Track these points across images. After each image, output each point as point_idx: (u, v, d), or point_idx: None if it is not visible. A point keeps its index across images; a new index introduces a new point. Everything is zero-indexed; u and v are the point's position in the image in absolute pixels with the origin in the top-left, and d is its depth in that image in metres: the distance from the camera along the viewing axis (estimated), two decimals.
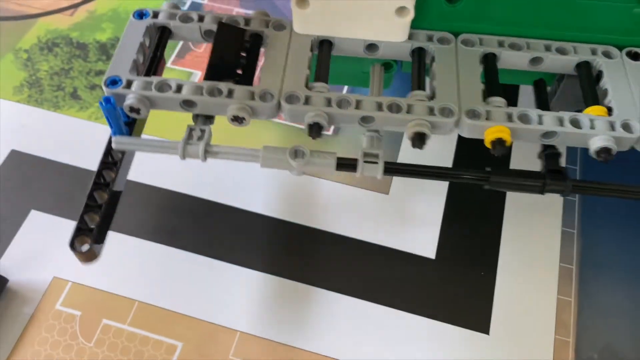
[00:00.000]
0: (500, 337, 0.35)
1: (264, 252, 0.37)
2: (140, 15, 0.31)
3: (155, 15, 0.31)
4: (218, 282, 0.35)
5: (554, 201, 0.40)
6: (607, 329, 0.35)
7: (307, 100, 0.28)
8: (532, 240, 0.38)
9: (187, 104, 0.28)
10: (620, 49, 0.31)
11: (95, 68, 0.46)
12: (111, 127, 0.28)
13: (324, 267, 0.37)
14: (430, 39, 0.31)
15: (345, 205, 0.39)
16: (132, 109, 0.27)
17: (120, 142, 0.28)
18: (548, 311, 0.36)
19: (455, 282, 0.37)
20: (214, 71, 0.28)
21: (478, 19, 0.30)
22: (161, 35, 0.30)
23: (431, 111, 0.28)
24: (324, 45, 0.30)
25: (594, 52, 0.31)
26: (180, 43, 0.48)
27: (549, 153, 0.29)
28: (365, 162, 0.28)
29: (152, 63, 0.29)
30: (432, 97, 0.28)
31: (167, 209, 0.38)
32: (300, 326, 0.34)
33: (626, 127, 0.28)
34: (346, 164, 0.28)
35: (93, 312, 0.34)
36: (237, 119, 0.27)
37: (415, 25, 0.30)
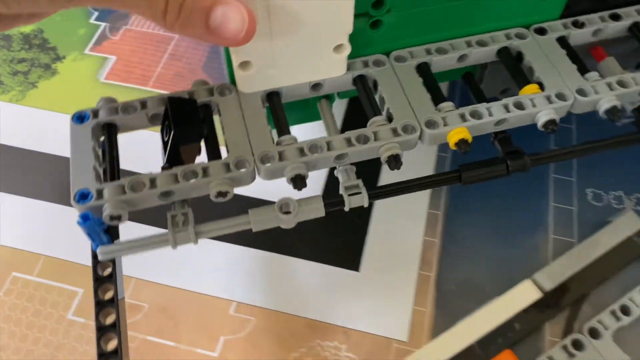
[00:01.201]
0: (369, 274, 0.38)
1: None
2: (80, 118, 0.29)
3: (96, 114, 0.30)
4: None
5: (428, 154, 0.44)
6: (466, 265, 0.38)
7: (280, 156, 0.28)
8: None
9: (165, 195, 0.27)
10: (528, 28, 0.34)
11: (18, 56, 0.50)
12: (93, 240, 0.27)
13: None
14: (366, 64, 0.32)
15: None
16: (112, 218, 0.26)
17: (107, 252, 0.27)
18: (414, 251, 0.39)
19: (333, 229, 0.40)
20: (183, 138, 0.27)
21: (402, 36, 0.32)
22: (110, 134, 0.29)
23: (395, 132, 0.29)
24: (273, 97, 0.31)
25: (508, 37, 0.34)
26: (99, 30, 0.51)
27: (501, 138, 0.32)
28: (349, 195, 0.29)
29: (113, 165, 0.28)
30: (390, 118, 0.30)
31: None
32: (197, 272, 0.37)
33: (560, 96, 0.31)
34: (333, 203, 0.29)
35: (2, 267, 0.38)
36: (222, 194, 0.27)
37: (349, 56, 0.31)
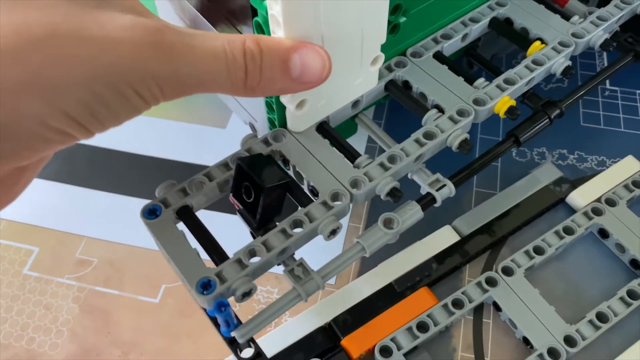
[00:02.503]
0: None
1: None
2: (151, 212, 0.27)
3: (165, 203, 0.28)
4: (69, 203, 0.42)
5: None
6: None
7: (368, 177, 0.28)
8: None
9: (282, 253, 0.26)
10: None
11: None
12: (228, 326, 0.25)
13: None
14: (390, 69, 0.33)
15: None
16: (244, 295, 0.25)
17: (245, 333, 0.26)
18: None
19: None
20: (271, 192, 0.26)
21: (412, 33, 0.34)
22: (187, 218, 0.27)
23: (453, 120, 0.31)
24: (324, 127, 0.31)
25: (491, 8, 0.36)
26: None
27: (529, 95, 0.34)
28: (437, 190, 0.30)
29: (214, 245, 0.27)
30: (440, 109, 0.31)
31: None
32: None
33: (563, 44, 0.34)
34: (428, 201, 0.30)
35: None
36: (333, 232, 0.27)
37: None
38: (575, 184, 0.39)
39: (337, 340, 0.32)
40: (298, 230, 0.27)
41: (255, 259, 0.26)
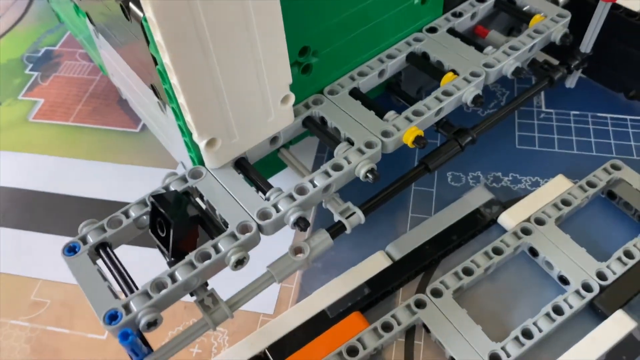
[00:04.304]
0: None
1: None
2: (71, 249, 0.29)
3: (84, 240, 0.30)
4: (27, 248, 0.44)
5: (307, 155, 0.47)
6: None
7: (276, 208, 0.30)
8: None
9: (188, 286, 0.28)
10: (421, 31, 0.39)
11: None
12: (137, 355, 0.27)
13: None
14: (307, 106, 0.35)
15: None
16: (150, 325, 0.26)
17: None
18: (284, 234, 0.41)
19: None
20: (181, 228, 0.28)
21: (328, 72, 0.36)
22: (107, 252, 0.30)
23: (361, 151, 0.32)
24: (242, 163, 0.33)
25: (409, 44, 0.38)
26: (32, 79, 0.59)
27: (443, 124, 0.36)
28: (347, 217, 0.31)
29: (125, 279, 0.28)
30: (351, 142, 0.33)
31: None
32: None
33: (474, 75, 0.36)
34: (337, 229, 0.31)
35: None
36: (240, 262, 0.28)
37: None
38: (506, 205, 0.40)
39: None
40: (208, 261, 0.28)
41: (165, 291, 0.27)
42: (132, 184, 0.47)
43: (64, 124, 0.54)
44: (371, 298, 0.36)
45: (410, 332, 0.36)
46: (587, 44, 0.39)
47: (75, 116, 0.54)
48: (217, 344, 0.36)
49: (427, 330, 0.35)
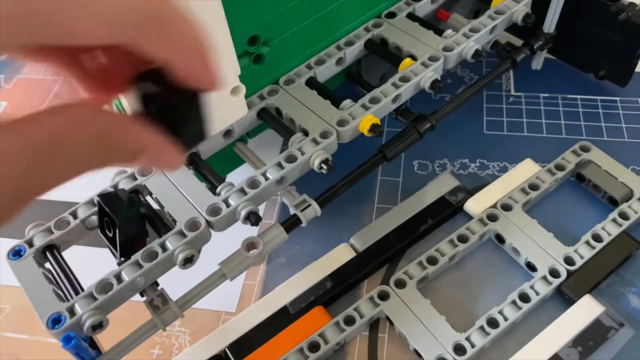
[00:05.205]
0: (202, 256, 0.36)
1: None
2: (16, 253, 0.29)
3: (30, 243, 0.29)
4: None
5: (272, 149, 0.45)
6: (296, 238, 0.37)
7: (227, 203, 0.29)
8: None
9: (135, 286, 0.27)
10: (380, 16, 0.38)
11: None
12: (83, 359, 0.26)
13: None
14: (262, 97, 0.34)
15: None
16: (94, 327, 0.26)
17: None
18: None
19: None
20: (128, 228, 0.27)
21: (284, 61, 0.35)
22: (53, 255, 0.29)
23: (316, 142, 0.31)
24: (193, 158, 0.32)
25: (367, 30, 0.37)
26: None
27: (401, 111, 0.35)
28: (302, 210, 0.31)
29: (71, 281, 0.28)
30: (306, 132, 0.32)
31: None
32: None
33: (432, 59, 0.35)
34: (293, 222, 0.30)
35: None
36: (189, 260, 0.28)
37: (245, 95, 0.33)
38: (473, 192, 0.39)
39: None
40: (155, 260, 0.28)
41: (111, 292, 0.27)
42: (83, 183, 0.46)
43: None
44: (334, 291, 0.36)
45: (374, 325, 0.35)
46: (549, 24, 0.38)
47: None
48: (178, 344, 0.36)
49: (391, 323, 0.34)
